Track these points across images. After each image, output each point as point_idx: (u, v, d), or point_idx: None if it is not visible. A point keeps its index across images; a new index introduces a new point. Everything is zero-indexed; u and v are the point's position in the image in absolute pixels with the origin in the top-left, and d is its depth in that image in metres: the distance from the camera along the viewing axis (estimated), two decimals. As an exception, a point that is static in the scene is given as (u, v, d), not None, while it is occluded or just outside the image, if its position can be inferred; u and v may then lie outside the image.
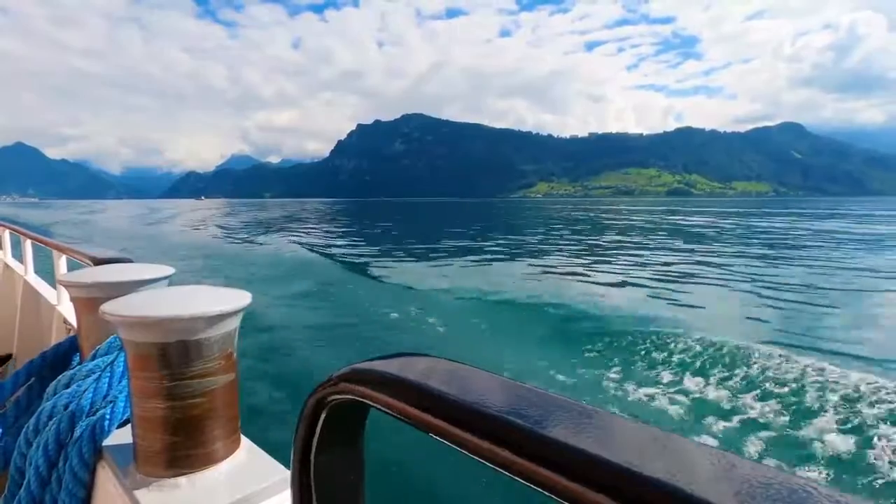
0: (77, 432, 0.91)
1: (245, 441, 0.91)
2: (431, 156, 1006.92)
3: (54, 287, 2.59)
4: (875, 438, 4.31)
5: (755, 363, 5.93)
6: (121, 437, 0.93)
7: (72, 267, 1.90)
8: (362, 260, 17.69)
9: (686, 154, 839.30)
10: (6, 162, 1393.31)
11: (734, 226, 36.30)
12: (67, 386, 1.00)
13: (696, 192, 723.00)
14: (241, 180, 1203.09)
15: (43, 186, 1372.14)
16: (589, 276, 13.79)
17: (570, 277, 13.51)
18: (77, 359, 1.21)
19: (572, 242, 24.55)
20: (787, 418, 4.73)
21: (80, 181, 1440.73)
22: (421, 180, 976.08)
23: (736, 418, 4.78)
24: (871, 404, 4.85)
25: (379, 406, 0.42)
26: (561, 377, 5.83)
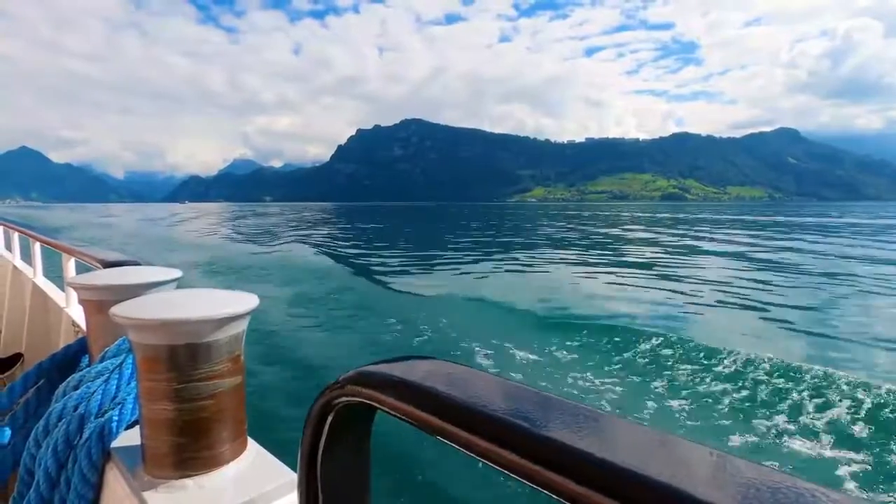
0: (86, 434, 0.92)
1: (252, 443, 0.92)
2: (429, 160, 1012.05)
3: (62, 290, 2.65)
4: (879, 442, 4.38)
5: (752, 367, 6.01)
6: (129, 438, 0.94)
7: (80, 269, 1.92)
8: (366, 263, 17.84)
9: (681, 159, 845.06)
10: (11, 165, 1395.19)
11: (729, 231, 36.66)
12: (76, 388, 1.02)
13: (690, 197, 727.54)
14: (241, 184, 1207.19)
15: (46, 190, 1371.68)
16: (586, 278, 13.91)
17: (566, 280, 13.63)
18: (86, 361, 1.23)
19: (567, 246, 24.61)
20: (790, 422, 4.79)
21: (83, 185, 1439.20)
22: (418, 185, 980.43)
23: (735, 420, 4.84)
24: (872, 409, 4.91)
25: (385, 409, 0.43)
26: (563, 379, 5.88)
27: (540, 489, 0.30)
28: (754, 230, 37.12)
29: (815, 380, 5.62)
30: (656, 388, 5.68)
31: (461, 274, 15.24)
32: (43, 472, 0.92)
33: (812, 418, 4.88)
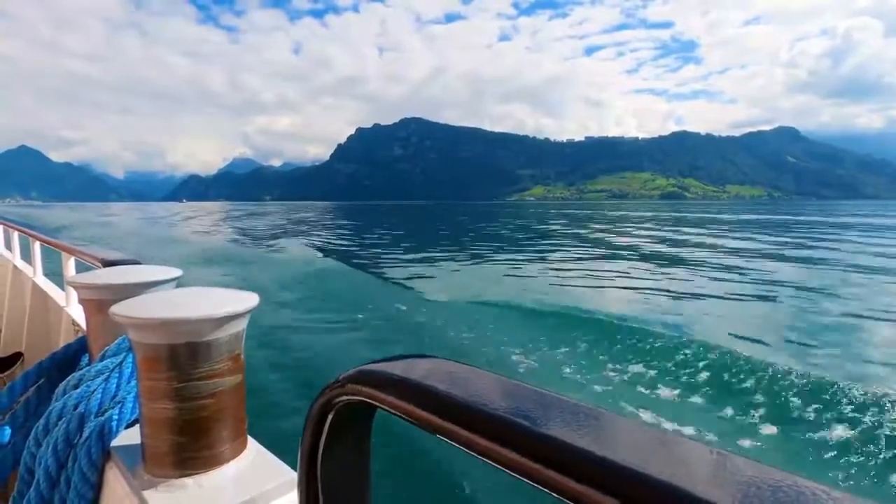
0: (86, 433, 0.93)
1: (252, 442, 0.93)
2: (429, 160, 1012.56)
3: (63, 289, 2.67)
4: (881, 444, 4.38)
5: (754, 370, 6.03)
6: (129, 437, 0.95)
7: (80, 269, 1.93)
8: (366, 262, 17.85)
9: (681, 158, 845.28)
10: (10, 165, 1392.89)
11: (732, 232, 36.78)
12: (76, 387, 1.02)
13: (689, 196, 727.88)
14: (241, 183, 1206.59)
15: (46, 189, 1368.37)
16: (582, 276, 13.87)
17: (563, 277, 13.61)
18: (86, 360, 1.23)
19: (567, 245, 24.59)
20: (792, 423, 4.83)
21: (83, 184, 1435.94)
22: (418, 184, 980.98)
23: (736, 422, 4.87)
24: (876, 411, 4.91)
25: (385, 407, 0.43)
26: (563, 378, 5.90)
27: (540, 488, 0.30)
28: (739, 228, 37.29)
29: (806, 381, 5.65)
30: (652, 386, 5.70)
31: (460, 272, 15.25)
32: (43, 470, 0.92)
33: (806, 417, 4.93)
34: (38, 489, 0.92)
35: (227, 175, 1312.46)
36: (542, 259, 18.91)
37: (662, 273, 15.00)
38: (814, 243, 24.75)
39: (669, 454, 0.29)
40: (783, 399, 5.33)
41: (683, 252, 21.36)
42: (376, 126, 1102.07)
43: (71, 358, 1.25)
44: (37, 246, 3.18)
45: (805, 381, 5.62)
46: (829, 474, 4.05)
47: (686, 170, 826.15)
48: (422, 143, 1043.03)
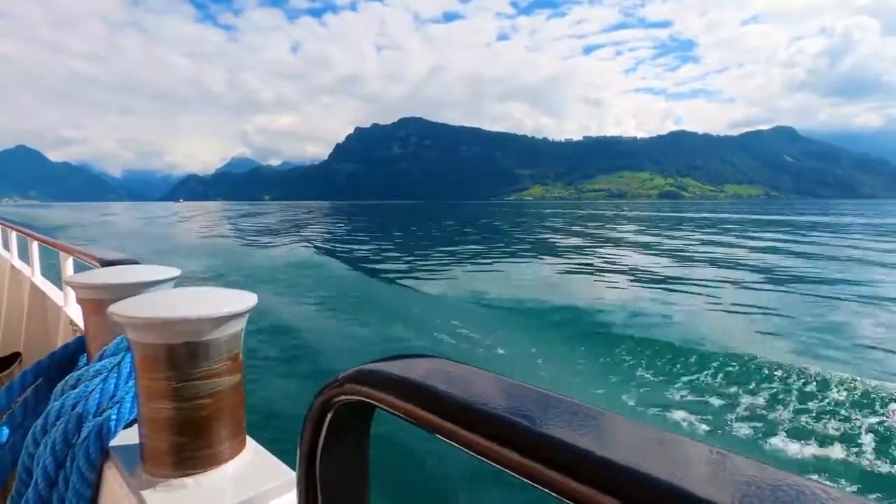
0: (84, 432, 0.93)
1: (251, 442, 0.93)
2: (428, 159, 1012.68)
3: (61, 289, 2.67)
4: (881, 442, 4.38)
5: (756, 370, 6.05)
6: (127, 437, 0.95)
7: (78, 268, 1.95)
8: (365, 261, 17.91)
9: (679, 157, 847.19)
10: (7, 164, 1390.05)
11: (732, 231, 36.91)
12: (75, 386, 1.02)
13: (687, 195, 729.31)
14: (240, 183, 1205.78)
15: (44, 189, 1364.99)
16: (584, 277, 13.96)
17: (562, 277, 13.69)
18: (84, 359, 1.23)
19: (566, 244, 24.59)
20: (791, 423, 4.83)
21: (82, 184, 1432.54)
22: (417, 183, 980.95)
23: (735, 421, 4.87)
24: (876, 410, 4.91)
25: (384, 407, 0.43)
26: (562, 377, 5.91)
27: (540, 487, 0.30)
28: (735, 227, 37.16)
29: (806, 379, 5.66)
30: (651, 385, 5.73)
31: (459, 271, 15.28)
32: (41, 470, 0.92)
33: (807, 417, 4.94)
34: (36, 489, 0.92)
35: (226, 175, 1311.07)
36: (542, 258, 18.92)
37: (660, 272, 15.05)
38: (808, 240, 24.75)
39: (669, 454, 0.29)
40: (782, 397, 5.35)
41: (681, 251, 21.41)
42: (375, 126, 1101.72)
43: (69, 358, 1.24)
44: (35, 245, 3.17)
45: (804, 379, 5.65)
46: (829, 473, 4.06)
47: (684, 169, 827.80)
48: (421, 142, 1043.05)
